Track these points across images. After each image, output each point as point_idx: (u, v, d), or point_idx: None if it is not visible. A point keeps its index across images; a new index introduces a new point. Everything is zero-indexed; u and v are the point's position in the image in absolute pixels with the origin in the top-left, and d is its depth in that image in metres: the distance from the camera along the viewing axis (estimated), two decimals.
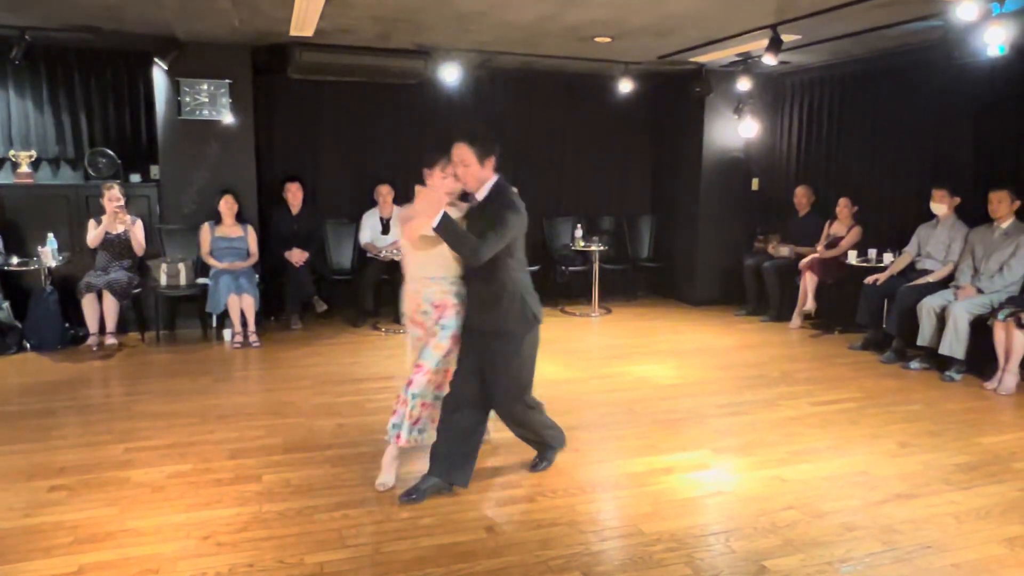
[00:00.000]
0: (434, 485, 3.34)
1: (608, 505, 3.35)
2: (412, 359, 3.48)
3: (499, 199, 3.22)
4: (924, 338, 5.43)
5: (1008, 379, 4.98)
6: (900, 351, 5.73)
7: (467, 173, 3.22)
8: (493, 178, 3.26)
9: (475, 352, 3.34)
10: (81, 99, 6.77)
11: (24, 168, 6.46)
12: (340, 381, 5.23)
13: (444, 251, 3.27)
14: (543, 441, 3.65)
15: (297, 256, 6.76)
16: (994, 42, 4.79)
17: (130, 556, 2.82)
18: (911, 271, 5.98)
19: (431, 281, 3.38)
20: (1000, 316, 4.99)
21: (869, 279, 5.98)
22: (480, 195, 3.26)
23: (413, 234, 3.28)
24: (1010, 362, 4.97)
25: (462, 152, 3.19)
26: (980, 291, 5.32)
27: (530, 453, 3.71)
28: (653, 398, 4.90)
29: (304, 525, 3.08)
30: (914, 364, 5.51)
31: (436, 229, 3.06)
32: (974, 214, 5.69)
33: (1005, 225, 5.38)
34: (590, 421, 4.47)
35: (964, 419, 4.49)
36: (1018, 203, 5.33)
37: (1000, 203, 5.34)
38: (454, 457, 3.34)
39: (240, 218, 6.60)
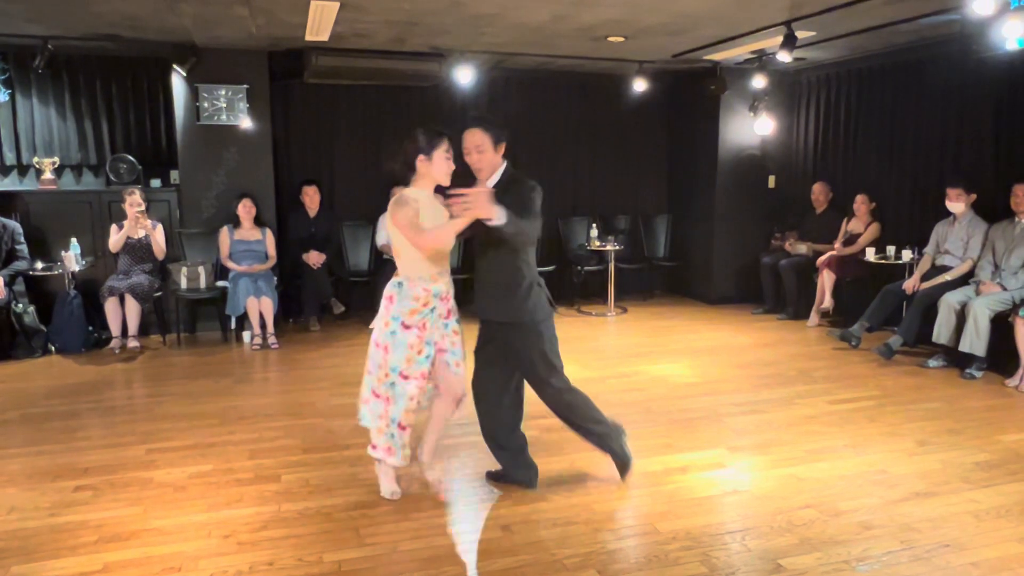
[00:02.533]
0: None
1: (624, 504, 3.36)
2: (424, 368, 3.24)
3: (520, 182, 3.17)
4: (940, 335, 5.38)
5: None
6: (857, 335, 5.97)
7: (482, 159, 3.16)
8: (503, 164, 3.23)
9: (493, 343, 3.33)
10: (102, 106, 6.88)
11: (47, 175, 6.58)
12: (358, 382, 5.13)
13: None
14: (595, 434, 3.43)
15: (315, 258, 6.83)
16: (1012, 36, 4.73)
17: (153, 555, 2.88)
18: (930, 268, 5.92)
19: (439, 276, 3.24)
20: (1021, 312, 4.93)
21: (907, 285, 5.88)
22: (491, 181, 3.20)
23: (446, 238, 3.10)
24: None
25: (476, 137, 3.16)
26: (1004, 288, 5.26)
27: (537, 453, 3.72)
28: (669, 397, 4.89)
29: (322, 524, 3.12)
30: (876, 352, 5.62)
31: (504, 226, 2.93)
32: (994, 210, 5.62)
33: None
34: None
35: (984, 417, 4.45)
36: None
37: None
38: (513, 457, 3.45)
39: (258, 221, 6.68)
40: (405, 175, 3.27)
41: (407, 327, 3.17)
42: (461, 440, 4.03)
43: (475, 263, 3.35)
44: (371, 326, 3.32)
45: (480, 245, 3.28)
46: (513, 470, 3.46)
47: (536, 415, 3.61)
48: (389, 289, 3.24)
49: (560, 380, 3.31)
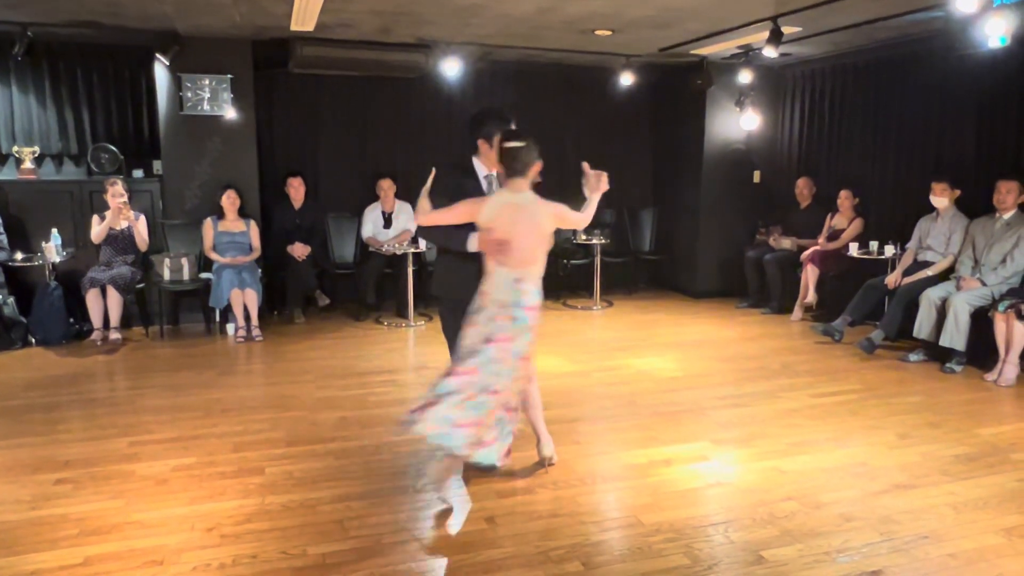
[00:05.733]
0: None
1: (608, 496, 3.38)
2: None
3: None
4: (921, 330, 5.44)
5: (1008, 370, 4.99)
6: (839, 329, 6.07)
7: None
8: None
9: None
10: (83, 95, 6.79)
11: (27, 164, 6.49)
12: (343, 375, 5.26)
13: None
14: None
15: (299, 250, 6.78)
16: (995, 33, 4.78)
17: (135, 548, 2.86)
18: (912, 263, 5.98)
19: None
20: (1000, 308, 5.00)
21: (889, 280, 5.92)
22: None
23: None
24: (1010, 353, 4.98)
25: None
26: (983, 283, 5.32)
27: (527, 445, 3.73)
28: (654, 390, 4.92)
29: (307, 517, 3.11)
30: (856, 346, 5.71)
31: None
32: (976, 206, 5.68)
33: (1007, 216, 5.38)
34: (592, 413, 4.49)
35: (964, 410, 4.51)
36: None
37: (1009, 193, 5.33)
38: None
39: (242, 213, 6.62)
40: (513, 179, 3.23)
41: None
42: None
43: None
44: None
45: None
46: None
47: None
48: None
49: None
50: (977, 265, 5.48)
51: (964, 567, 2.74)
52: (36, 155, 6.56)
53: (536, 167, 3.17)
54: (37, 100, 6.68)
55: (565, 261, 7.98)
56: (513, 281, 3.09)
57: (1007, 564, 2.76)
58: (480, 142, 3.39)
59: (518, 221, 3.10)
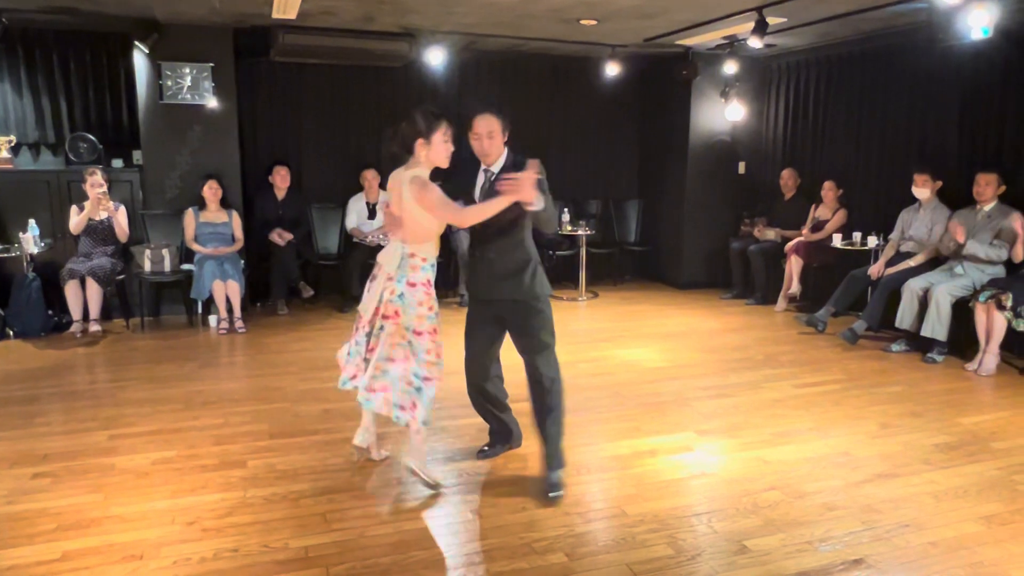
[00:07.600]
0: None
1: (593, 487, 3.37)
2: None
3: (527, 167, 3.16)
4: (903, 321, 5.48)
5: (989, 360, 5.04)
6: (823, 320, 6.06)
7: (492, 144, 3.19)
8: (505, 150, 3.26)
9: (496, 321, 3.36)
10: (61, 83, 6.67)
11: (3, 153, 6.37)
12: (326, 366, 5.22)
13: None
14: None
15: (280, 236, 6.71)
16: (978, 24, 4.80)
17: (114, 542, 2.82)
18: (895, 254, 6.02)
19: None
20: (981, 298, 5.04)
21: (872, 270, 5.95)
22: (496, 167, 3.24)
23: (489, 213, 3.07)
24: (991, 343, 5.03)
25: (490, 123, 3.17)
26: (965, 266, 5.36)
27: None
28: (639, 381, 4.92)
29: (289, 510, 3.09)
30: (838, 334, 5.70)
31: (544, 210, 3.07)
32: (958, 197, 5.72)
33: (988, 208, 5.42)
34: (576, 404, 4.46)
35: (945, 400, 4.54)
36: (1003, 188, 5.36)
37: (988, 186, 5.36)
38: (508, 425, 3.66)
39: (224, 203, 6.54)
40: (402, 157, 3.25)
41: (413, 285, 3.23)
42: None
43: (479, 247, 3.31)
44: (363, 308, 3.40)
45: (487, 229, 3.24)
46: (506, 434, 3.65)
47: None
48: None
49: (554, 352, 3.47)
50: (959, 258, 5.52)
51: (944, 555, 2.77)
52: (12, 144, 6.45)
53: (419, 142, 3.14)
54: (13, 88, 6.56)
55: (551, 252, 7.96)
56: (405, 254, 3.22)
57: (987, 552, 2.79)
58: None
59: (400, 196, 3.18)
